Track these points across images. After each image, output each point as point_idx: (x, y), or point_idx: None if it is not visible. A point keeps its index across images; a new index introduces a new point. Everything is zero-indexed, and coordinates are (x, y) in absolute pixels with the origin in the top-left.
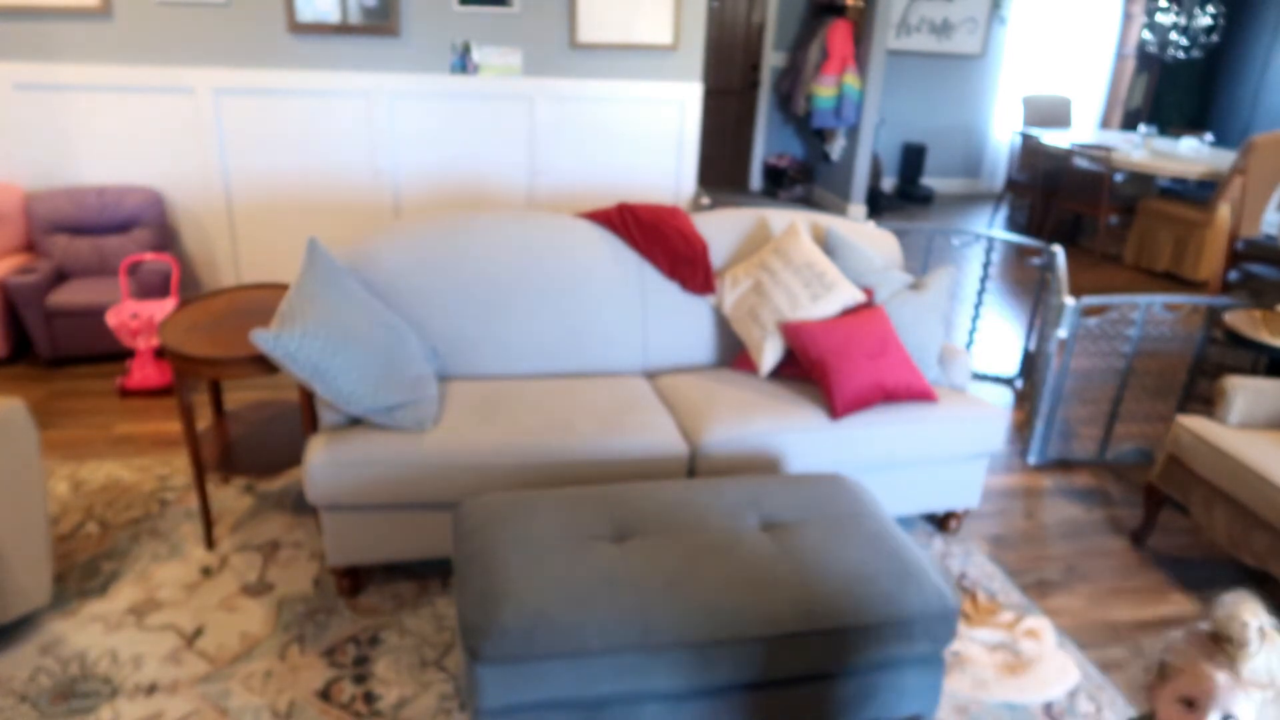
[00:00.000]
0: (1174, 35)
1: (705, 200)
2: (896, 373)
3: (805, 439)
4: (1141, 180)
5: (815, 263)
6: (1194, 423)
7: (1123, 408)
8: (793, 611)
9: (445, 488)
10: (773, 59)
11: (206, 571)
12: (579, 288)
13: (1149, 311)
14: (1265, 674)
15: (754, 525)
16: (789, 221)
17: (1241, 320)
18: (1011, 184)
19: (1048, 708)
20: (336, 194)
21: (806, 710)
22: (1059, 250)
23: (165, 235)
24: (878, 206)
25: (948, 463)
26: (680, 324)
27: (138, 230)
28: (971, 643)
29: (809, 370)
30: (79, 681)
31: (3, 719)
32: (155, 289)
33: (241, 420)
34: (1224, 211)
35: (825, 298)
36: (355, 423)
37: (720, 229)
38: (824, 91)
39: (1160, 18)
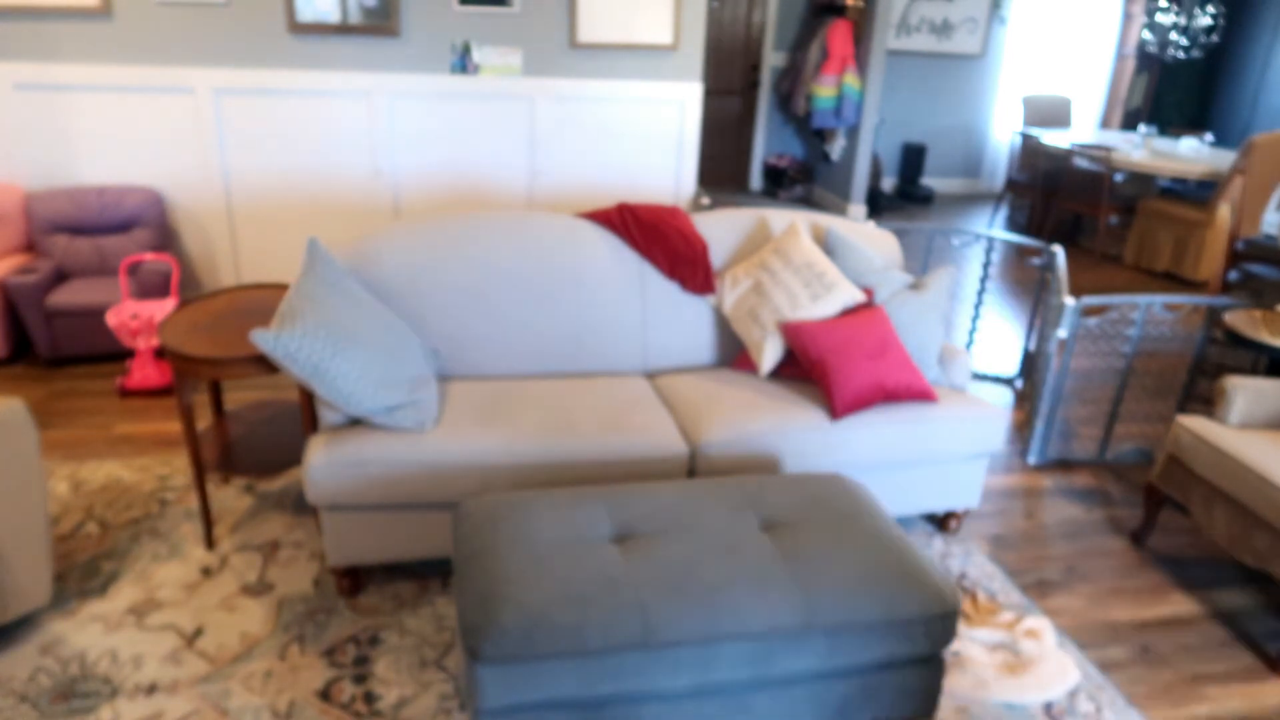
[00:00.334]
0: (1174, 35)
1: (705, 200)
2: (896, 373)
3: (805, 439)
4: (1141, 180)
5: (815, 263)
6: (1194, 423)
7: (1123, 408)
8: (793, 611)
9: (445, 488)
10: (773, 59)
11: (206, 571)
12: (579, 288)
13: (1149, 311)
14: None
15: (754, 525)
16: (789, 221)
17: (1241, 320)
18: (1011, 184)
19: (1048, 708)
20: (336, 194)
21: (806, 710)
22: (1059, 250)
23: (165, 235)
24: (878, 206)
25: (948, 463)
26: (680, 324)
27: (138, 230)
28: (971, 643)
29: (809, 370)
30: (79, 681)
31: (3, 719)
32: (155, 289)
33: (241, 420)
34: (1224, 211)
35: (825, 298)
36: (355, 423)
37: (720, 229)
38: (824, 91)
39: (1160, 18)
